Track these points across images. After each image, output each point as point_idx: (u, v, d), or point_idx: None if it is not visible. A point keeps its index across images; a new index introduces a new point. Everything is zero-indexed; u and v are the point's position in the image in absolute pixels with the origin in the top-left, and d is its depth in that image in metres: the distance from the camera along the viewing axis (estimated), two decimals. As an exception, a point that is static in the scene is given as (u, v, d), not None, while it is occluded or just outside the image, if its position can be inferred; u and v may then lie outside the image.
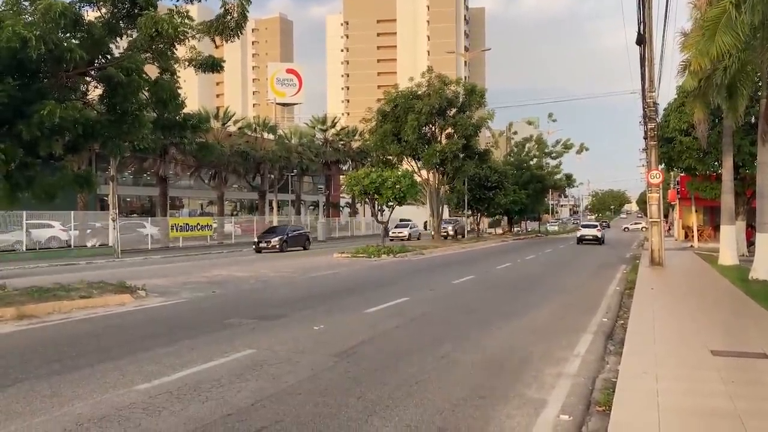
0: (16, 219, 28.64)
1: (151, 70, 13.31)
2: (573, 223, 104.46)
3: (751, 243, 24.70)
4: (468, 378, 7.44)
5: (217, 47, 14.93)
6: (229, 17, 13.13)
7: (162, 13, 12.40)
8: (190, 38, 12.83)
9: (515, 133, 76.73)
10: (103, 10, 12.77)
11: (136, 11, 12.66)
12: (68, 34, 12.08)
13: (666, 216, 55.48)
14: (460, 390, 6.92)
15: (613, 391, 6.45)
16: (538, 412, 6.20)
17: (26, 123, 11.16)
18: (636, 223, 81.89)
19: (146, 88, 12.76)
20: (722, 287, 15.97)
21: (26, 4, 11.73)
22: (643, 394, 6.30)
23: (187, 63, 13.78)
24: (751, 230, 25.98)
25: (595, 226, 50.01)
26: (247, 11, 13.18)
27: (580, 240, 46.02)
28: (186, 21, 12.37)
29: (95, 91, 13.40)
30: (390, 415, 6.02)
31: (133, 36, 12.92)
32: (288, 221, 48.62)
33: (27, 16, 11.30)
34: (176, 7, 12.60)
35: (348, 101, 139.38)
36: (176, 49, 13.23)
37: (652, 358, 7.87)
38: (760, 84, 19.42)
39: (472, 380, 7.34)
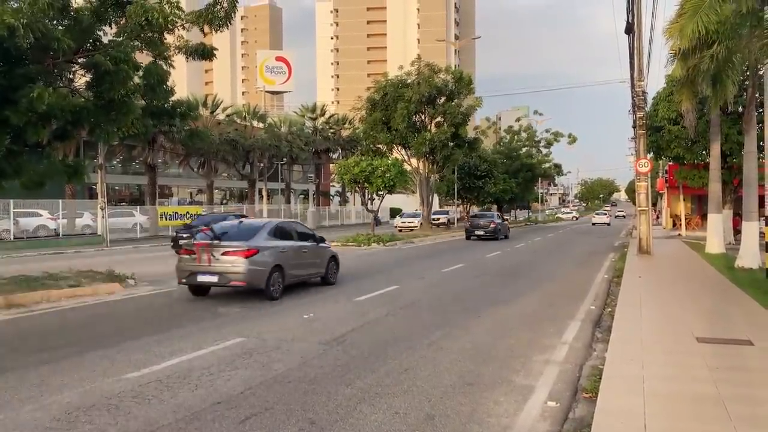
0: (3, 207, 28.40)
1: (141, 58, 13.18)
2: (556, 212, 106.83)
3: (737, 231, 24.91)
4: (456, 365, 7.49)
5: (205, 35, 14.79)
6: (218, 6, 13.02)
7: (151, 1, 12.28)
8: (179, 28, 12.72)
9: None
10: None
11: (124, -1, 12.55)
12: (55, 22, 11.94)
13: (654, 205, 55.87)
14: (448, 377, 6.97)
15: (600, 378, 6.52)
16: (525, 399, 6.26)
17: (13, 109, 11.04)
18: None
19: (135, 76, 12.65)
20: (709, 275, 16.13)
21: None
22: (629, 380, 6.37)
23: (178, 50, 13.66)
24: (738, 219, 26.20)
25: (605, 214, 73.65)
26: (237, 0, 13.09)
27: (594, 224, 66.28)
28: (176, 11, 12.26)
29: (82, 79, 13.26)
30: (379, 403, 6.06)
31: (122, 24, 12.79)
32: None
33: (13, 3, 11.14)
34: None
35: (338, 89, 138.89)
36: (166, 39, 13.11)
37: (639, 345, 7.96)
38: (748, 73, 19.52)
39: (460, 367, 7.40)
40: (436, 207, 57.45)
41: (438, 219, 52.10)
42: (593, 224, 65.77)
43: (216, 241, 12.58)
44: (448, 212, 57.56)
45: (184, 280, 12.85)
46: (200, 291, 13.15)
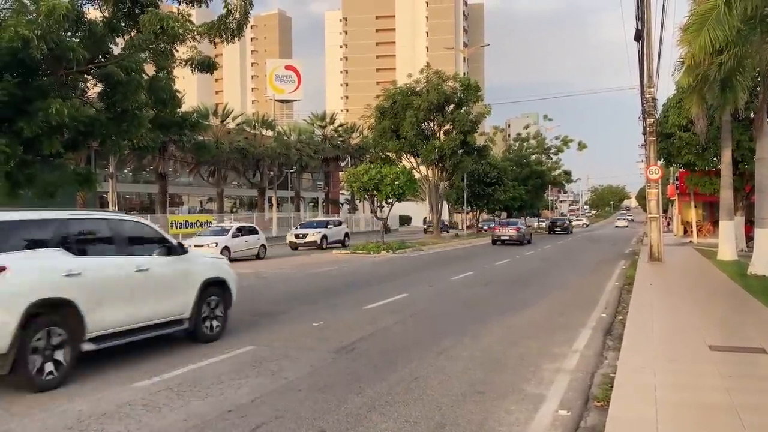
0: (15, 217, 28.61)
1: (148, 70, 13.32)
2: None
3: (750, 238, 24.73)
4: (467, 373, 7.47)
5: (215, 46, 14.92)
6: (231, 18, 13.12)
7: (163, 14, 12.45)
8: (191, 38, 12.86)
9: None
10: (106, 12, 12.79)
11: (137, 10, 12.70)
12: (69, 33, 12.09)
13: (665, 211, 55.58)
14: (458, 385, 6.95)
15: (612, 387, 6.48)
16: (536, 407, 6.23)
17: (28, 120, 11.15)
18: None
19: (145, 88, 12.78)
20: (721, 282, 16.00)
21: (28, 2, 11.71)
22: (640, 389, 6.33)
23: (184, 63, 13.78)
24: (750, 226, 26.00)
25: (624, 218, 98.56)
26: (250, 11, 13.18)
27: (616, 226, 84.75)
28: (187, 24, 12.41)
29: (94, 89, 13.40)
30: (389, 411, 6.05)
31: (133, 35, 12.93)
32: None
33: (28, 15, 11.29)
34: (178, 10, 12.66)
35: (347, 97, 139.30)
36: (177, 49, 13.24)
37: (651, 353, 7.91)
38: (759, 79, 19.41)
39: (470, 375, 7.38)
40: (445, 215, 57.32)
41: (304, 236, 34.21)
42: (616, 227, 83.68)
43: (507, 224, 41.08)
44: (329, 224, 36.56)
45: (495, 239, 38.69)
46: (496, 243, 37.92)
